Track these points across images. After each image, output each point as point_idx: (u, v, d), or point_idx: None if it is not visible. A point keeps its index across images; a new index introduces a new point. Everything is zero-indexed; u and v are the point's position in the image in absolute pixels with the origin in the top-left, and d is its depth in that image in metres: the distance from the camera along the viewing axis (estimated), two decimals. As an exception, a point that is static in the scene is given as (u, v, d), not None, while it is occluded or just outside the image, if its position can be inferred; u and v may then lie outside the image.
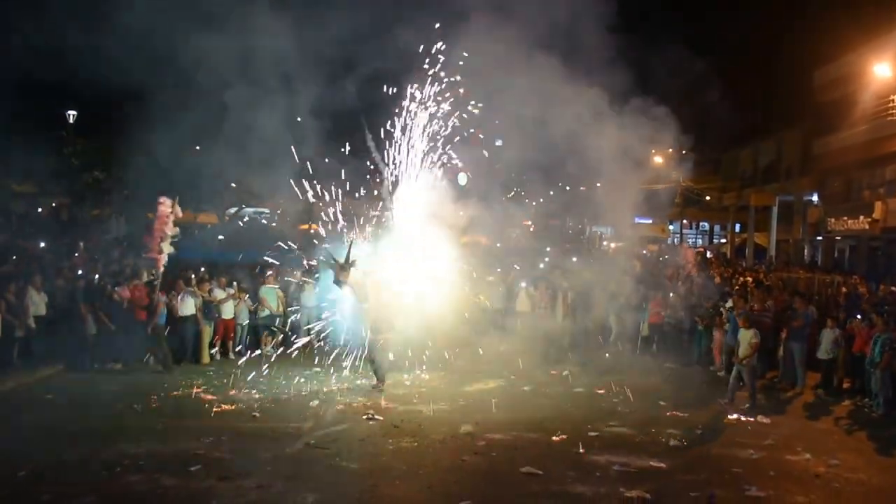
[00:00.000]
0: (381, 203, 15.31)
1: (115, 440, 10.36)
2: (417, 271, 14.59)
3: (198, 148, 16.75)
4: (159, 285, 15.42)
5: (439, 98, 14.88)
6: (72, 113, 32.83)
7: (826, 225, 32.60)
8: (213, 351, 16.41)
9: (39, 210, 34.00)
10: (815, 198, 35.57)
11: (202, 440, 10.47)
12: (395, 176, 14.98)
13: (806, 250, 36.82)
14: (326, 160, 15.56)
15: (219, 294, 16.52)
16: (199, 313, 16.12)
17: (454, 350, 15.85)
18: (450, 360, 15.62)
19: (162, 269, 15.51)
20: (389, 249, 14.69)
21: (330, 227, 14.84)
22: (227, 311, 16.53)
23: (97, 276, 16.34)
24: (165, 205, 15.57)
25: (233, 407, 12.56)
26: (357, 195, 15.48)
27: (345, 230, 14.91)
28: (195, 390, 13.55)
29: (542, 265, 21.13)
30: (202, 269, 17.77)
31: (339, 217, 14.73)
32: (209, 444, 10.31)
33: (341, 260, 13.94)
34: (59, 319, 14.98)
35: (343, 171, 15.12)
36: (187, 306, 15.99)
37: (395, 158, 14.89)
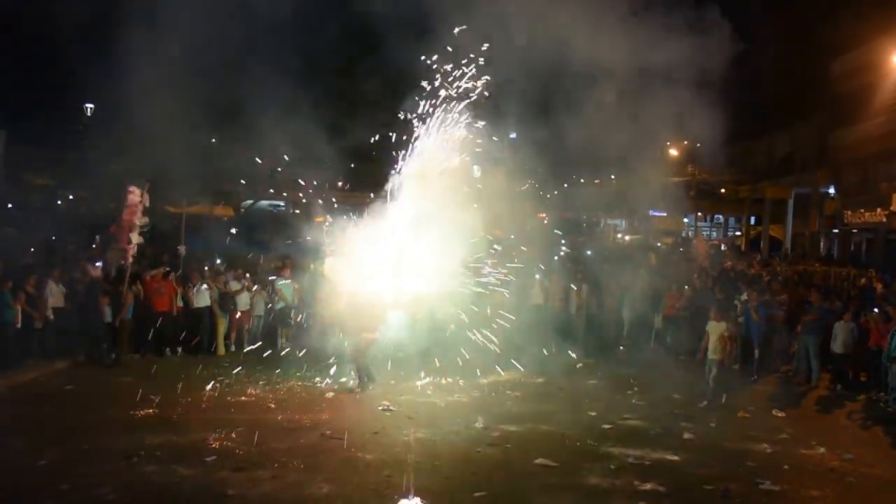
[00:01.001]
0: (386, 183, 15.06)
1: (132, 431, 10.48)
2: (419, 264, 14.46)
3: (214, 140, 16.84)
4: (128, 278, 15.09)
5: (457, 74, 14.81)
6: (89, 106, 33.05)
7: (842, 217, 32.34)
8: (227, 342, 16.51)
9: (59, 203, 34.29)
10: (831, 190, 35.29)
11: (218, 431, 10.56)
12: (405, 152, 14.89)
13: (822, 243, 36.55)
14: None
15: (234, 286, 16.61)
16: (215, 305, 16.22)
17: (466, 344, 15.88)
18: (464, 354, 15.65)
19: (131, 260, 15.22)
20: (387, 240, 14.59)
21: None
22: (243, 303, 16.62)
23: (114, 269, 16.41)
24: (135, 194, 15.24)
25: (248, 398, 12.67)
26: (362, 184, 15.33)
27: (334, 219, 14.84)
28: (211, 381, 13.67)
29: (556, 257, 21.10)
30: (218, 261, 17.86)
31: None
32: (225, 435, 10.41)
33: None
34: (78, 311, 15.10)
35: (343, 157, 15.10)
36: (202, 298, 16.09)
37: (410, 132, 14.81)
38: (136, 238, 15.19)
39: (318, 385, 13.63)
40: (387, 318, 13.98)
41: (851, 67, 30.45)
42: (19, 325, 13.93)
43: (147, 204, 15.42)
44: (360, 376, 13.47)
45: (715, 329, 13.38)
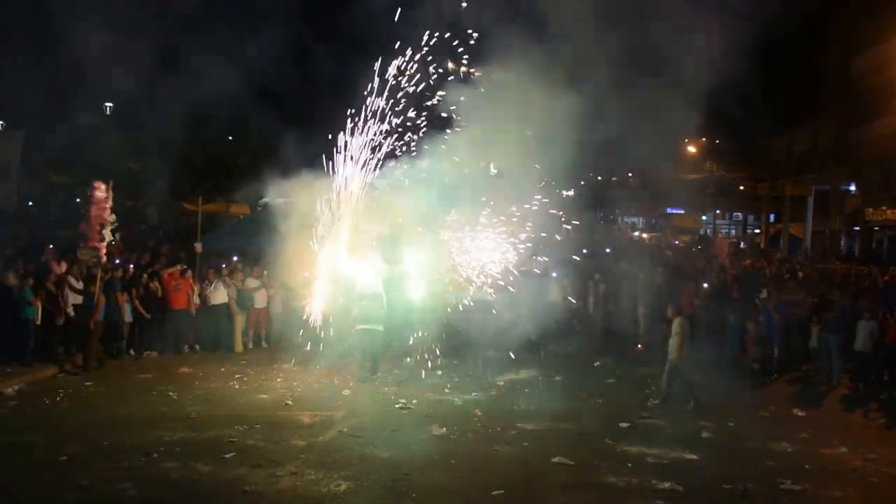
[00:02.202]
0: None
1: (151, 427, 10.53)
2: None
3: (231, 138, 16.88)
4: (99, 277, 14.39)
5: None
6: (108, 104, 33.26)
7: (864, 215, 32.02)
8: (245, 339, 16.56)
9: (78, 200, 34.52)
10: (852, 187, 34.95)
11: (236, 428, 10.60)
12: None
13: (843, 241, 36.22)
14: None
15: (251, 283, 16.65)
16: (232, 302, 16.26)
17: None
18: (482, 351, 15.64)
19: (104, 258, 14.60)
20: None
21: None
22: (261, 300, 16.66)
23: (132, 266, 16.53)
24: (100, 190, 14.74)
25: (266, 395, 12.70)
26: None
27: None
28: (229, 379, 13.73)
29: (573, 255, 21.03)
30: (235, 258, 17.92)
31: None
32: (243, 432, 10.44)
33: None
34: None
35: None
36: (220, 295, 16.15)
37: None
38: (108, 235, 14.61)
39: (336, 382, 13.65)
40: (387, 311, 14.23)
41: (872, 64, 30.13)
42: (39, 322, 14.04)
43: (111, 202, 14.84)
44: (367, 366, 13.88)
45: (673, 326, 12.97)
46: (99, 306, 14.30)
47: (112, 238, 14.75)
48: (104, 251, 14.58)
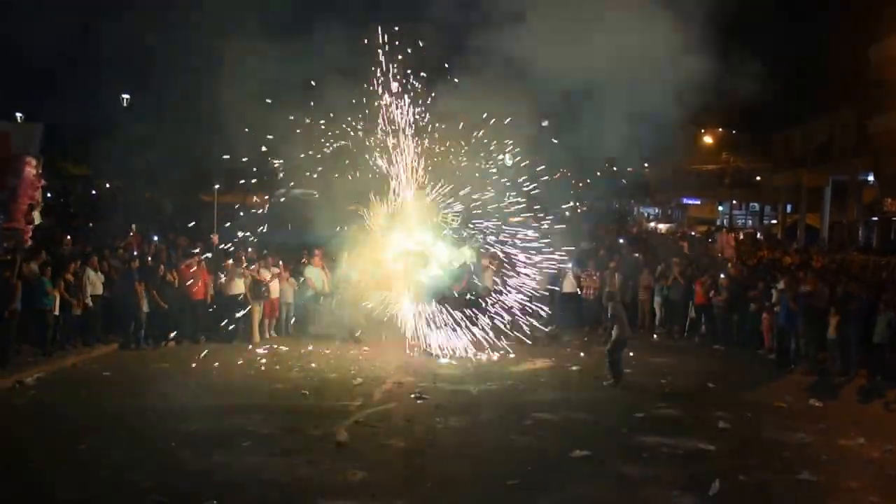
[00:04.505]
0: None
1: (167, 417, 10.61)
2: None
3: (247, 130, 16.88)
4: (19, 262, 12.98)
5: None
6: (125, 96, 33.43)
7: (882, 205, 31.70)
8: (261, 329, 16.62)
9: (93, 192, 34.78)
10: (870, 177, 34.60)
11: (252, 417, 10.67)
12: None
13: (861, 231, 35.88)
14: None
15: (266, 274, 16.72)
16: (249, 293, 16.34)
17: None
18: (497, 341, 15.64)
19: (29, 242, 13.21)
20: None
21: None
22: (275, 291, 16.73)
23: (150, 257, 16.64)
24: (31, 165, 13.30)
25: (282, 385, 12.77)
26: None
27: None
28: (245, 368, 13.81)
29: (588, 246, 20.98)
30: (250, 249, 17.99)
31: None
32: (259, 422, 10.50)
33: None
34: (115, 298, 15.33)
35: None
36: (236, 285, 16.22)
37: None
38: (36, 217, 13.23)
39: (352, 372, 13.71)
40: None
41: (890, 53, 29.77)
42: (57, 312, 14.15)
43: (44, 181, 13.49)
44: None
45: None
46: (15, 293, 12.83)
47: (41, 220, 13.32)
48: (29, 234, 13.27)
